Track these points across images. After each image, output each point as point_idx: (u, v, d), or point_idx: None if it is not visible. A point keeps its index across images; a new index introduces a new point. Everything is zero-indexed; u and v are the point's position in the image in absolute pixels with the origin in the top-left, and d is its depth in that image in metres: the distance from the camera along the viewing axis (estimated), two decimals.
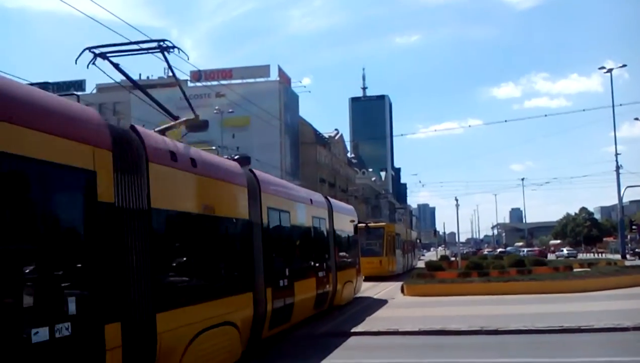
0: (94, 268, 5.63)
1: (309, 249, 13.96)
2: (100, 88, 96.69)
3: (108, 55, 8.88)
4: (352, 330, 12.64)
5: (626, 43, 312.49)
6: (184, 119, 10.45)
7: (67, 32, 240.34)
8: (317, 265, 14.08)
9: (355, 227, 19.96)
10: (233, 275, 9.19)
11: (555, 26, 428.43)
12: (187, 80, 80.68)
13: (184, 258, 7.86)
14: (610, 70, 47.45)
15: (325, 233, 15.51)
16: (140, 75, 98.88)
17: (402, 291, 20.99)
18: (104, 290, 5.70)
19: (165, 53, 9.44)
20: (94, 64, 8.87)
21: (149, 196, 6.79)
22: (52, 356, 4.89)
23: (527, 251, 67.87)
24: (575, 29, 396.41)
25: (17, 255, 4.79)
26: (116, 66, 8.99)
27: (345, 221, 18.34)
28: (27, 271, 4.98)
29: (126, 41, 9.47)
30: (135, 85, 11.23)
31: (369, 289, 22.73)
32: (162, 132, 8.69)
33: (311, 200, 14.75)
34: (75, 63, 8.61)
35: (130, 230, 6.45)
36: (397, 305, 17.63)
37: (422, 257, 66.60)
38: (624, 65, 50.51)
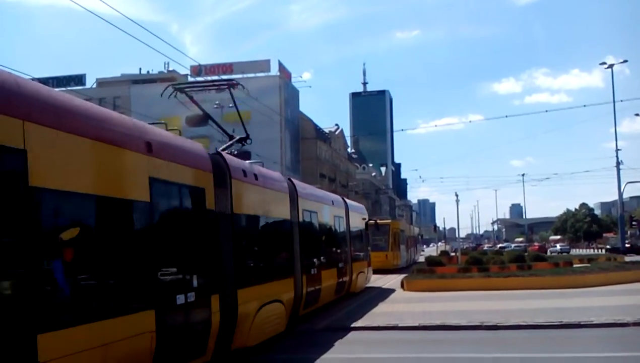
0: (205, 257, 7.99)
1: (332, 243, 16.10)
2: (101, 82, 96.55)
3: (185, 89, 12.63)
4: (352, 325, 12.66)
5: (627, 39, 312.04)
6: (238, 139, 13.70)
7: (66, 25, 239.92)
8: (337, 257, 16.33)
9: (366, 224, 22.03)
10: (282, 264, 11.55)
11: (556, 21, 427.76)
12: (187, 74, 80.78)
13: (253, 250, 10.16)
14: (611, 66, 47.41)
15: (343, 229, 17.76)
16: (140, 69, 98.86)
17: (402, 286, 21.02)
18: (210, 272, 8.03)
19: (232, 89, 13.27)
20: (175, 96, 12.42)
21: (232, 204, 9.00)
22: (185, 313, 7.35)
23: (515, 246, 68.86)
24: (577, 24, 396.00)
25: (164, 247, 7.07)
26: (191, 98, 12.45)
27: (358, 219, 20.54)
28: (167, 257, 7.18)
29: (201, 80, 12.65)
30: (209, 118, 14.10)
31: (376, 280, 24.16)
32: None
33: (332, 201, 17.09)
34: (161, 96, 12.38)
35: (222, 229, 8.67)
36: (397, 300, 17.64)
37: (422, 252, 66.99)
38: (625, 61, 50.73)
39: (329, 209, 16.11)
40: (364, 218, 21.87)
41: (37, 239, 4.99)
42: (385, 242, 32.30)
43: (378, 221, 28.98)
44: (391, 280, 24.40)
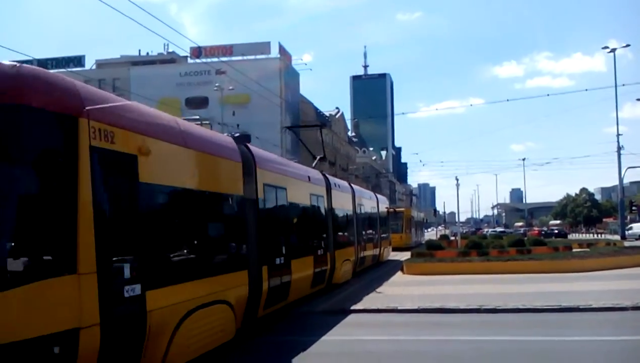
0: (248, 234, 9.53)
1: (307, 227, 13.85)
2: (100, 64, 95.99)
3: (292, 129, 26.34)
4: (352, 308, 12.70)
5: (630, 22, 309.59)
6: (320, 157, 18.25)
7: (64, 6, 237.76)
8: (314, 243, 14.17)
9: (388, 210, 27.91)
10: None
11: (559, 4, 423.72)
12: (187, 56, 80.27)
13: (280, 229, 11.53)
14: (613, 50, 47.09)
15: (323, 211, 15.59)
16: (139, 50, 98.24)
17: (402, 269, 21.07)
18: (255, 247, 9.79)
19: (324, 128, 17.06)
20: (285, 133, 19.12)
21: (257, 189, 10.08)
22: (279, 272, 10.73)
23: (500, 231, 69.73)
24: (579, 7, 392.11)
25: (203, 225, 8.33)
26: (297, 135, 18.67)
27: (345, 199, 18.76)
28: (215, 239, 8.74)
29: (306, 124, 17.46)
30: (323, 157, 19.11)
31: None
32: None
33: (309, 177, 14.74)
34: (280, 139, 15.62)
35: (249, 211, 9.73)
36: (397, 284, 17.70)
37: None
38: (628, 45, 50.32)
39: (304, 186, 14.02)
40: (387, 207, 27.99)
41: (144, 218, 6.53)
42: (400, 226, 38.98)
43: (396, 209, 37.27)
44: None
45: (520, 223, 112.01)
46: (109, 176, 5.98)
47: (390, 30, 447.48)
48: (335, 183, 17.91)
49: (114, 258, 5.83)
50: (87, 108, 5.70)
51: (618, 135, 49.42)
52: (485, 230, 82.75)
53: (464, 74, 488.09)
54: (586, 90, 73.99)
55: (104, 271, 5.56)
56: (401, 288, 16.31)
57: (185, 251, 7.68)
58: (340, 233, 17.46)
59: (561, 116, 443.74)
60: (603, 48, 47.77)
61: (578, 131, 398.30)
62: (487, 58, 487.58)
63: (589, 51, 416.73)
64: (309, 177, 14.74)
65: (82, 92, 5.89)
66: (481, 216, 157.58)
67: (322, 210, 15.61)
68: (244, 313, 9.27)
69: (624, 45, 50.24)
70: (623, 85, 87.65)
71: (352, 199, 19.60)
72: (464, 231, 64.90)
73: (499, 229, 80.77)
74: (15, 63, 5.42)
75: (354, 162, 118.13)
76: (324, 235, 15.25)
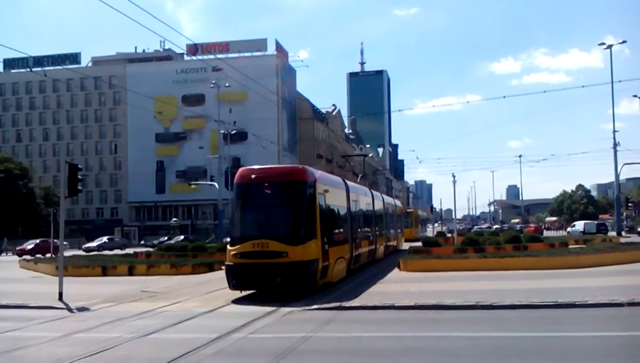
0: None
1: (367, 224, 23.88)
2: (96, 61, 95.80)
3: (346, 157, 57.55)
4: (348, 305, 12.72)
5: (627, 18, 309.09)
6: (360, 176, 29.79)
7: (58, 4, 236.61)
8: (370, 234, 24.07)
9: (395, 209, 35.03)
10: (345, 234, 18.79)
11: (556, 0, 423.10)
12: (183, 53, 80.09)
13: (343, 224, 18.76)
14: (610, 47, 47.15)
15: (370, 214, 24.73)
16: (136, 48, 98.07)
17: (399, 266, 21.09)
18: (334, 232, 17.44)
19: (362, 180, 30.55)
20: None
21: (316, 198, 15.49)
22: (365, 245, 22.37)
23: (487, 227, 70.47)
24: (576, 3, 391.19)
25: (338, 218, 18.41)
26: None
27: (388, 206, 31.67)
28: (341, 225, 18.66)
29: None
30: None
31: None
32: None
33: (365, 192, 24.95)
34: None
35: (356, 215, 20.45)
36: (394, 280, 17.74)
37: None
38: (624, 42, 50.30)
39: (362, 198, 23.10)
40: (402, 208, 42.30)
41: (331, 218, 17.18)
42: (411, 223, 52.25)
43: (407, 210, 53.96)
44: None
45: (516, 220, 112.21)
46: (321, 200, 15.77)
47: (387, 26, 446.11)
48: (378, 195, 29.30)
49: (323, 236, 15.34)
50: (317, 179, 15.94)
51: (614, 131, 49.55)
52: (476, 227, 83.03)
53: (460, 70, 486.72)
54: (582, 86, 73.74)
55: (321, 240, 15.14)
56: (398, 285, 16.33)
57: (336, 234, 17.52)
58: (384, 227, 29.10)
59: (558, 112, 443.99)
60: (600, 44, 47.86)
61: (575, 127, 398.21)
62: (484, 54, 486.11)
63: (586, 47, 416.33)
64: (384, 201, 30.18)
65: (316, 174, 16.22)
66: (478, 213, 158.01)
67: (381, 215, 28.02)
68: (347, 265, 18.67)
69: (621, 41, 50.20)
70: (619, 81, 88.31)
71: (383, 203, 29.44)
72: (460, 228, 65.13)
73: (486, 226, 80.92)
74: (302, 166, 16.63)
75: (350, 159, 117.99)
76: (376, 230, 25.78)
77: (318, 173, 16.70)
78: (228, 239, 17.87)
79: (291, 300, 13.81)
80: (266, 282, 14.53)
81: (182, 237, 58.95)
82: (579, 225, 56.99)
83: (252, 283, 14.86)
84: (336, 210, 17.82)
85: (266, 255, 14.28)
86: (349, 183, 21.18)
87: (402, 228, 38.76)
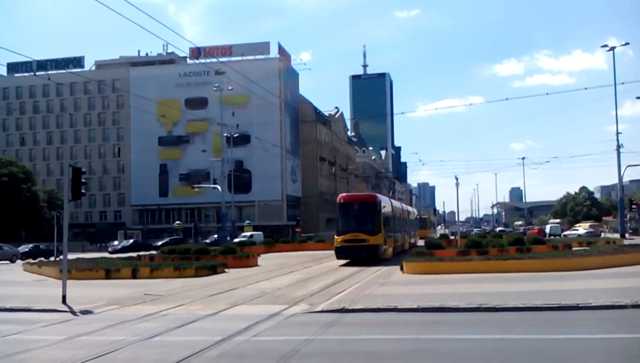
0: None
1: (401, 226, 36.21)
2: (99, 64, 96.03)
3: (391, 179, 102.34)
4: (351, 307, 12.71)
5: (630, 19, 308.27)
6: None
7: (61, 8, 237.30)
8: (402, 232, 36.01)
9: (415, 215, 51.36)
10: (392, 232, 31.46)
11: (558, 2, 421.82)
12: (186, 56, 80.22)
13: (392, 225, 31.64)
14: (612, 49, 47.06)
15: (402, 219, 37.01)
16: (139, 51, 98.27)
17: (402, 269, 21.07)
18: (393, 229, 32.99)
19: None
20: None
21: (380, 211, 28.01)
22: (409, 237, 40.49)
23: (500, 230, 70.78)
24: (579, 4, 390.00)
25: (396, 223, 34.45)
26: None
27: (412, 213, 47.03)
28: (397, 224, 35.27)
29: None
30: None
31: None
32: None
33: (394, 204, 35.94)
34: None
35: (381, 219, 28.51)
36: (396, 283, 17.71)
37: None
38: (627, 44, 50.38)
39: (398, 209, 36.48)
40: (417, 214, 55.97)
41: (387, 219, 30.54)
42: (425, 225, 64.81)
43: (422, 216, 68.93)
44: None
45: (519, 222, 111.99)
46: (382, 212, 28.51)
47: (389, 28, 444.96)
48: (405, 206, 43.90)
49: (384, 231, 28.16)
50: (380, 200, 29.11)
51: (618, 133, 49.33)
52: (477, 229, 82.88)
53: (463, 72, 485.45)
54: (585, 88, 73.98)
55: (383, 234, 27.92)
56: (401, 287, 16.32)
57: (389, 231, 29.76)
58: (409, 228, 41.52)
59: (561, 114, 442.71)
60: (602, 46, 47.75)
61: (578, 129, 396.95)
62: (487, 56, 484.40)
63: (589, 48, 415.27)
64: (409, 210, 45.51)
65: (379, 197, 29.78)
66: (481, 215, 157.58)
67: (407, 219, 40.37)
68: (393, 250, 30.39)
69: (623, 43, 50.11)
70: (622, 83, 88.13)
71: (408, 212, 43.15)
72: (463, 230, 65.07)
73: (489, 229, 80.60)
74: (374, 193, 34.25)
75: (353, 161, 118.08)
76: (405, 230, 37.88)
77: (380, 196, 30.43)
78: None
79: (368, 265, 24.93)
80: (356, 255, 26.65)
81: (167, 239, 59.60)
82: (580, 229, 56.87)
83: (349, 256, 27.04)
84: (388, 217, 30.40)
85: (356, 241, 26.65)
86: (392, 200, 37.35)
87: (418, 229, 51.23)
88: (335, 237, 27.44)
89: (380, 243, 26.93)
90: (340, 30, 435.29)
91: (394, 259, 27.34)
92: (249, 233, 55.61)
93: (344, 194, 30.82)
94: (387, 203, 31.35)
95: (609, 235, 50.63)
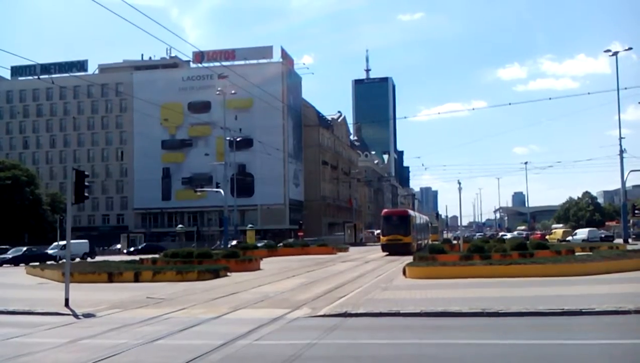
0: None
1: (422, 230, 51.66)
2: (103, 68, 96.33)
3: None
4: (353, 312, 12.70)
5: (634, 25, 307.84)
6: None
7: (64, 11, 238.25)
8: (421, 235, 49.87)
9: (430, 223, 67.42)
10: (417, 235, 46.25)
11: (561, 6, 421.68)
12: (189, 60, 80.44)
13: (416, 230, 46.19)
14: (615, 54, 47.03)
15: (420, 226, 50.76)
16: (142, 55, 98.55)
17: (404, 273, 21.03)
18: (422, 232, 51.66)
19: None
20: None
21: (411, 220, 43.40)
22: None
23: (491, 235, 71.02)
24: (582, 9, 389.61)
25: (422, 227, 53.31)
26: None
27: (427, 221, 63.24)
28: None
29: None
30: None
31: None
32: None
33: (415, 215, 48.83)
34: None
35: (412, 225, 44.16)
36: (399, 287, 17.70)
37: None
38: (630, 49, 50.09)
39: (420, 218, 52.71)
40: (431, 222, 71.69)
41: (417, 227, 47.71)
42: (436, 231, 74.05)
43: (432, 224, 73.54)
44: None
45: (522, 227, 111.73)
46: (412, 221, 43.83)
47: (392, 32, 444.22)
48: (422, 216, 61.92)
49: (413, 234, 43.29)
50: (410, 213, 45.86)
51: (620, 138, 49.27)
52: (479, 234, 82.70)
53: (466, 77, 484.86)
54: (589, 93, 73.73)
55: (412, 236, 42.64)
56: (403, 291, 16.30)
57: (415, 234, 44.72)
58: (424, 232, 54.66)
59: (564, 119, 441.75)
60: (606, 51, 47.74)
61: (581, 134, 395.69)
62: (490, 60, 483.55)
63: (593, 53, 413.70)
64: (427, 219, 64.16)
65: (411, 212, 48.43)
66: (484, 220, 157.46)
67: (422, 225, 53.60)
68: (417, 246, 43.84)
69: (627, 48, 49.94)
70: (625, 88, 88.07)
71: (424, 220, 58.21)
72: (466, 235, 64.99)
73: (488, 234, 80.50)
74: (407, 209, 53.22)
75: (356, 165, 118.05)
76: (422, 234, 51.34)
77: (410, 211, 47.33)
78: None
79: (403, 255, 34.26)
80: (395, 250, 39.10)
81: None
82: (581, 233, 56.53)
83: (390, 250, 40.11)
84: (414, 225, 43.56)
85: (395, 240, 40.33)
86: (417, 213, 53.98)
87: (430, 233, 62.61)
88: (381, 237, 43.23)
89: (410, 242, 40.88)
90: (343, 34, 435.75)
91: (416, 253, 35.03)
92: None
93: (386, 210, 55.34)
94: (414, 215, 46.55)
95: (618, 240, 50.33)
